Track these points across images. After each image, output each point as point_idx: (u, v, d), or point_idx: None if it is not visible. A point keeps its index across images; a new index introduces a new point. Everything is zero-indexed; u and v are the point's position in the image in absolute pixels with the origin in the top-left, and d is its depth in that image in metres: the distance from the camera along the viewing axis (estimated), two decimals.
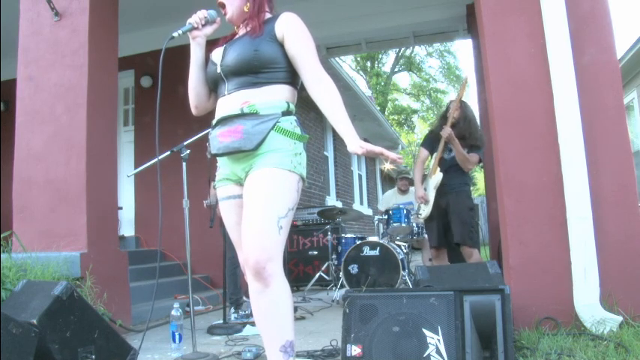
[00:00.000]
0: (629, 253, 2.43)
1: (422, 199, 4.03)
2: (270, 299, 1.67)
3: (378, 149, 1.70)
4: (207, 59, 1.92)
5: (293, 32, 1.78)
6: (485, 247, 5.72)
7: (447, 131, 3.80)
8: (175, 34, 1.84)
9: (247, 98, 1.76)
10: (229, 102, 1.79)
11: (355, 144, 1.67)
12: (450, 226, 3.92)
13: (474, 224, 4.02)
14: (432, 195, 3.97)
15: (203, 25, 1.88)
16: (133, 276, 3.86)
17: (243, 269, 1.78)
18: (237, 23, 1.92)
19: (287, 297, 1.69)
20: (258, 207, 1.67)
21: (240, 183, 1.81)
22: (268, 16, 1.90)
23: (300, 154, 1.76)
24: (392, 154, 1.70)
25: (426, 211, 4.02)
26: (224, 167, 1.86)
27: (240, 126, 1.72)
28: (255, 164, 1.73)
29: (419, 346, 2.06)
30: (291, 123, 1.77)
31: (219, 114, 1.83)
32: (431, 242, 4.22)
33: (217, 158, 1.89)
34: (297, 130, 1.77)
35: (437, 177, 3.94)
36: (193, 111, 1.99)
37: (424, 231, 4.90)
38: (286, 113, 1.77)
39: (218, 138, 1.78)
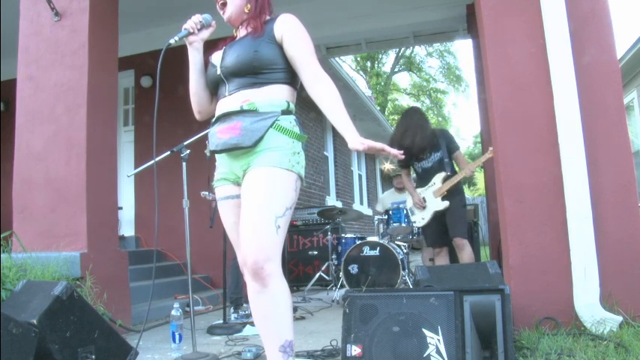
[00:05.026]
0: (629, 253, 2.42)
1: (419, 203, 4.16)
2: (269, 299, 1.67)
3: (379, 145, 1.70)
4: (206, 63, 1.92)
5: (291, 33, 1.78)
6: (486, 247, 5.72)
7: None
8: (172, 41, 1.83)
9: (247, 97, 1.76)
10: (229, 102, 1.79)
11: (356, 140, 1.68)
12: (447, 224, 4.08)
13: (467, 219, 4.21)
14: (429, 215, 4.12)
15: (199, 30, 1.88)
16: (133, 276, 3.85)
17: (242, 269, 1.78)
18: (235, 24, 1.92)
19: (286, 297, 1.69)
20: (255, 207, 1.67)
21: (238, 182, 1.81)
22: (267, 18, 1.90)
23: (299, 153, 1.76)
24: (392, 150, 1.70)
25: (424, 219, 4.15)
26: (222, 166, 1.86)
27: (239, 123, 1.73)
28: (253, 162, 1.72)
29: (419, 346, 2.05)
30: (290, 122, 1.77)
31: (218, 114, 1.83)
32: (432, 243, 4.27)
33: (216, 157, 1.89)
34: (296, 129, 1.77)
35: (443, 204, 4.03)
36: (197, 116, 1.99)
37: None
38: (286, 112, 1.77)
39: (217, 135, 1.79)
